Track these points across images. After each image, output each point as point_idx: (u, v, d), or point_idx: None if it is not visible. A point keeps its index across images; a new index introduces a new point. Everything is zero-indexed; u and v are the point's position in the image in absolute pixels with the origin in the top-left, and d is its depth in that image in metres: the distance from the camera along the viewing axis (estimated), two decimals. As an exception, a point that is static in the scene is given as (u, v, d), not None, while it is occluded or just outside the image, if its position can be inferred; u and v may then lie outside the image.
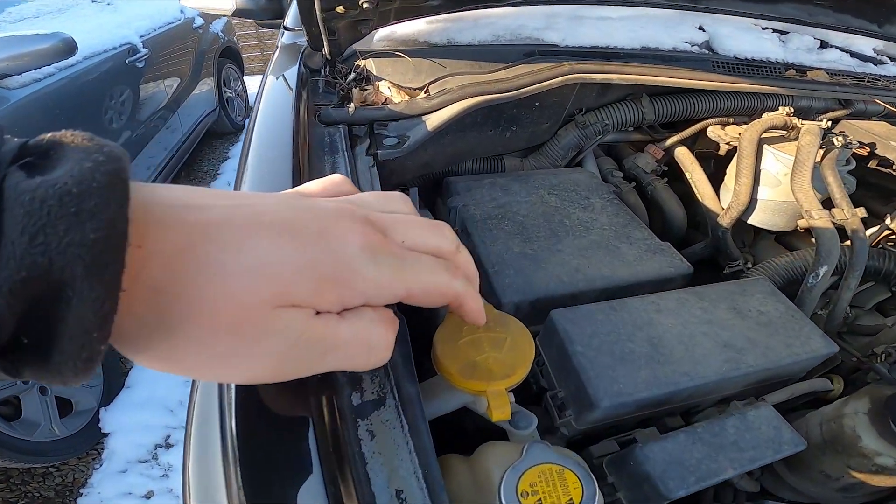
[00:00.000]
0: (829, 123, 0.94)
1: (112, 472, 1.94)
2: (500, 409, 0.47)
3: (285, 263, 0.27)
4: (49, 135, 0.22)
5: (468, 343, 0.49)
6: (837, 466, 0.66)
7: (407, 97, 0.98)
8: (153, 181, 2.31)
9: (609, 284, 0.73)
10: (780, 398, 0.69)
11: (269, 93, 0.91)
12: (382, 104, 0.95)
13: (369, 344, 0.33)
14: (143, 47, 2.70)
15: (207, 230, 0.26)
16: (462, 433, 0.68)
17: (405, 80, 1.02)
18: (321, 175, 0.70)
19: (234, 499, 0.38)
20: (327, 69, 1.13)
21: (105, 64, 2.36)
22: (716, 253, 1.03)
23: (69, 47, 1.85)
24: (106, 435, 2.02)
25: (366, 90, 1.03)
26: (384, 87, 1.01)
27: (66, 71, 2.08)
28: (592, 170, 1.12)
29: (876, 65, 1.28)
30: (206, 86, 3.64)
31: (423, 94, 0.96)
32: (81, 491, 1.92)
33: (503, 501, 0.43)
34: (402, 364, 0.49)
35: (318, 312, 0.29)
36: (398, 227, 0.35)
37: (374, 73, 1.07)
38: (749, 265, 0.99)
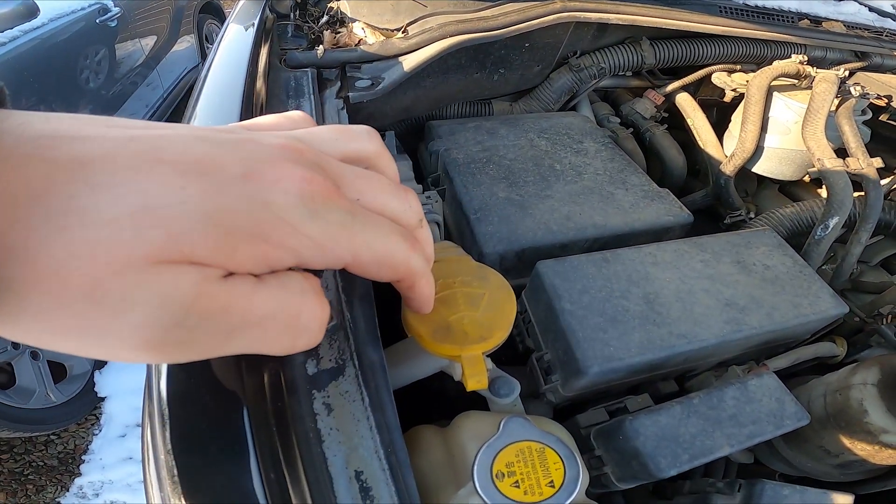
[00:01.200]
0: (846, 73, 0.87)
1: (112, 437, 1.95)
2: (475, 378, 0.41)
3: (181, 209, 0.20)
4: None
5: (441, 300, 0.43)
6: (838, 442, 0.61)
7: (383, 38, 0.89)
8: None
9: (602, 233, 0.67)
10: (782, 364, 0.64)
11: (227, 40, 0.83)
12: (356, 46, 0.87)
13: (297, 321, 0.26)
14: (115, 6, 2.61)
15: (77, 168, 0.19)
16: (443, 397, 0.65)
17: (382, 20, 0.94)
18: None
19: (163, 468, 0.34)
20: (297, 13, 1.04)
21: (75, 25, 2.30)
22: (717, 202, 0.97)
23: (30, 10, 1.84)
24: (103, 399, 2.02)
25: (339, 33, 0.94)
26: (358, 29, 0.93)
27: (33, 33, 2.02)
28: (588, 114, 1.04)
29: (895, 20, 1.20)
30: (186, 42, 3.53)
31: (400, 35, 0.88)
32: (83, 458, 1.93)
33: (476, 484, 0.39)
34: (364, 327, 0.43)
35: (227, 275, 0.22)
36: (355, 182, 0.28)
37: (349, 15, 0.98)
38: (752, 215, 0.93)
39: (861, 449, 0.59)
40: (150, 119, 2.96)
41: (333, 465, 0.36)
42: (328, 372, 0.40)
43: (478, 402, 0.55)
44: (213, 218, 0.21)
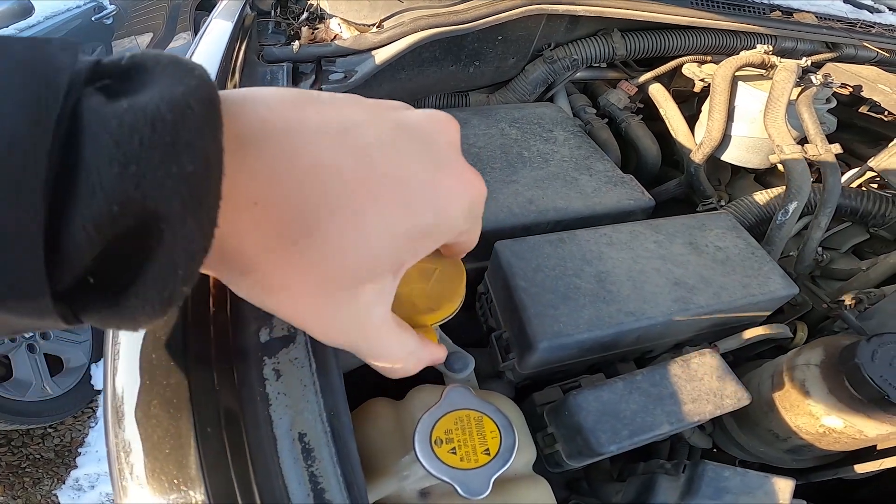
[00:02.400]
0: (809, 62, 0.89)
1: (108, 429, 1.98)
2: None
3: (404, 234, 0.25)
4: (127, 54, 0.19)
5: None
6: (785, 425, 0.62)
7: (358, 33, 0.92)
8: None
9: (563, 216, 0.69)
10: (732, 345, 0.65)
11: (205, 38, 0.85)
12: (332, 41, 0.89)
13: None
14: (111, 4, 2.64)
15: (358, 185, 0.23)
16: (409, 378, 0.67)
17: (359, 16, 0.96)
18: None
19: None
20: (278, 10, 1.06)
21: (71, 22, 2.35)
22: (690, 191, 0.99)
23: (25, 9, 1.88)
24: (99, 392, 2.05)
25: (317, 29, 0.97)
26: (335, 24, 0.95)
27: (28, 32, 2.05)
28: (564, 106, 1.06)
29: (872, 13, 1.22)
30: (182, 40, 3.57)
31: (375, 30, 0.90)
32: (80, 450, 1.97)
33: (416, 448, 0.41)
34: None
35: None
36: None
37: (328, 12, 1.00)
38: (723, 203, 0.95)
39: (806, 433, 0.60)
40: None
41: (279, 427, 0.39)
42: (280, 340, 0.43)
43: (440, 379, 0.57)
44: (414, 237, 0.25)
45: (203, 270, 0.22)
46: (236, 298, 0.44)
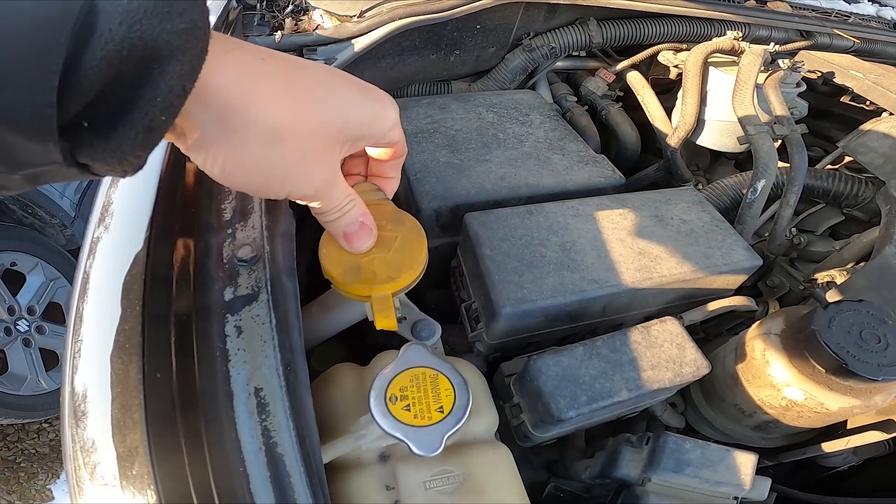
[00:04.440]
0: (776, 48, 0.91)
1: (103, 424, 1.99)
2: (382, 315, 0.43)
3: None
4: None
5: None
6: (748, 399, 0.62)
7: (339, 24, 0.94)
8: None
9: (534, 192, 0.71)
10: (697, 317, 0.67)
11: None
12: (313, 31, 0.91)
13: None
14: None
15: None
16: (378, 346, 0.68)
17: (342, 7, 0.98)
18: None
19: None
20: (264, 3, 1.09)
21: None
22: (669, 175, 1.00)
23: None
24: (95, 390, 2.06)
25: (300, 20, 0.99)
26: (317, 15, 0.97)
27: None
28: (545, 94, 1.08)
29: (848, 3, 1.24)
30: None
31: (355, 19, 0.92)
32: (75, 444, 1.97)
33: (370, 404, 0.42)
34: (282, 259, 0.47)
35: None
36: None
37: (312, 4, 1.02)
38: (700, 187, 0.97)
39: (770, 406, 0.61)
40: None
41: (236, 382, 0.40)
42: (243, 298, 0.44)
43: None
44: (365, 120, 0.36)
45: (188, 140, 0.30)
46: (204, 261, 0.46)
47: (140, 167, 0.25)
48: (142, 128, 0.23)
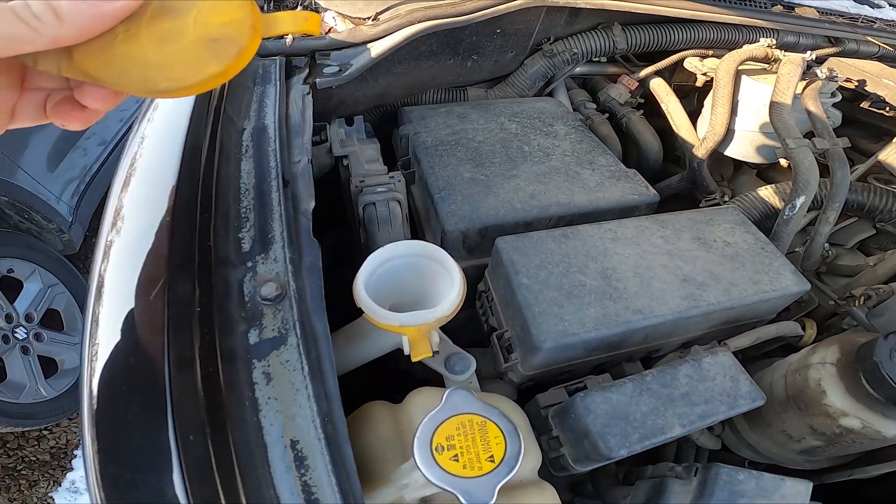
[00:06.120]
0: (814, 56, 0.87)
1: (103, 431, 1.96)
2: (418, 347, 0.42)
3: None
4: None
5: None
6: (799, 426, 0.59)
7: (353, 26, 0.89)
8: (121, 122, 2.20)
9: (566, 212, 0.67)
10: (743, 343, 0.63)
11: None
12: (326, 34, 0.87)
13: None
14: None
15: None
16: (407, 378, 0.65)
17: (355, 9, 0.93)
18: (241, 106, 0.65)
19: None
20: (272, 4, 1.04)
21: None
22: (692, 186, 0.97)
23: None
24: (94, 396, 2.02)
25: (312, 22, 0.95)
26: (329, 18, 0.93)
27: None
28: (563, 101, 1.04)
29: (872, 8, 1.21)
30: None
31: (370, 22, 0.88)
32: (75, 452, 1.94)
33: (415, 456, 0.38)
34: (310, 297, 0.44)
35: None
36: None
37: (322, 5, 0.98)
38: (726, 198, 0.93)
39: (821, 433, 0.58)
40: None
41: (269, 433, 0.36)
42: (270, 341, 0.40)
43: (440, 381, 0.55)
44: None
45: None
46: (224, 300, 0.42)
47: None
48: None
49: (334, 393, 0.40)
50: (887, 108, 1.10)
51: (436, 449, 0.39)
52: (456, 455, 0.39)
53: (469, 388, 0.43)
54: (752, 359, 0.75)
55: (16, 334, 1.74)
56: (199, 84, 0.28)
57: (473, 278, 0.67)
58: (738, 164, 1.11)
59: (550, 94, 1.07)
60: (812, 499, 0.72)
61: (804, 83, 0.83)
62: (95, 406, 0.35)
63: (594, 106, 1.06)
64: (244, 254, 0.46)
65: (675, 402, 0.50)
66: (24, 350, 1.82)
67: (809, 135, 0.82)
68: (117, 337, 0.37)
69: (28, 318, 1.78)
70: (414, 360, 0.41)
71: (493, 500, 0.37)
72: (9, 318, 1.73)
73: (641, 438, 0.48)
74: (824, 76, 0.82)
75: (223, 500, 0.32)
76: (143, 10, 0.27)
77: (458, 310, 0.45)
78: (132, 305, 0.40)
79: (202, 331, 0.39)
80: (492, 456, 0.39)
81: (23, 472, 1.89)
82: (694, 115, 1.03)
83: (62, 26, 0.26)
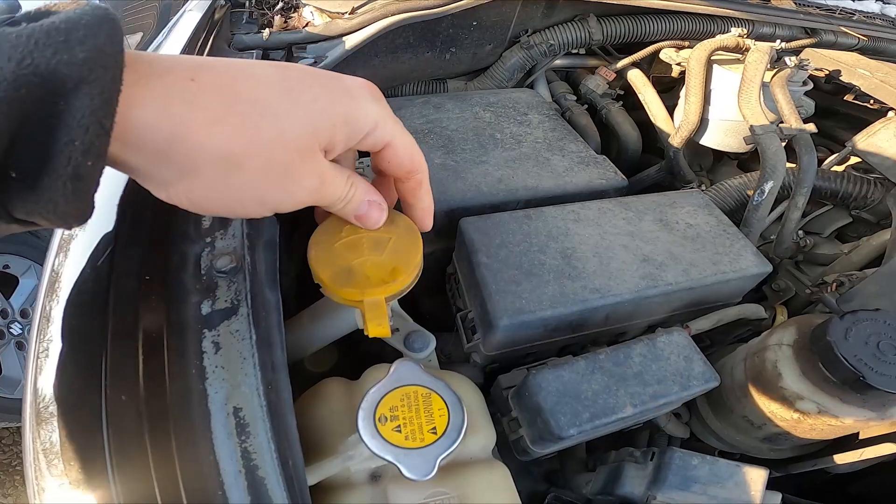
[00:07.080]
0: (782, 45, 0.88)
1: (99, 428, 1.97)
2: (375, 322, 0.41)
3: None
4: (43, 4, 0.23)
5: (345, 245, 0.42)
6: (759, 411, 0.59)
7: (329, 20, 0.91)
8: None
9: (533, 195, 0.68)
10: (704, 325, 0.64)
11: (177, 28, 0.84)
12: (303, 28, 0.89)
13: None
14: (101, 2, 2.64)
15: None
16: (369, 357, 0.65)
17: (333, 4, 0.95)
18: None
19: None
20: (253, 0, 1.06)
21: None
22: (671, 176, 0.98)
23: (12, 8, 1.84)
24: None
25: (290, 18, 0.96)
26: (307, 12, 0.94)
27: None
28: (544, 93, 1.05)
29: (853, 0, 1.21)
30: (176, 41, 3.56)
31: (347, 16, 0.89)
32: (71, 448, 1.95)
33: (359, 425, 0.39)
34: (264, 270, 0.45)
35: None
36: None
37: (302, 1, 0.99)
38: (704, 188, 0.94)
39: (780, 419, 0.58)
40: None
41: (214, 401, 0.37)
42: (222, 312, 0.41)
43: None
44: (333, 119, 0.32)
45: (143, 181, 0.29)
46: (180, 272, 0.43)
47: (84, 217, 0.23)
48: (68, 176, 0.21)
49: (281, 363, 0.41)
50: (871, 101, 1.11)
51: (379, 419, 0.40)
52: (399, 426, 0.39)
53: (417, 362, 0.44)
54: (720, 343, 0.75)
55: (11, 330, 1.76)
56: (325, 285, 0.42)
57: (442, 261, 0.68)
58: (719, 155, 1.12)
59: (531, 87, 1.08)
60: (797, 494, 0.72)
61: (773, 71, 0.84)
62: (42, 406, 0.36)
63: (574, 98, 1.07)
64: (204, 230, 0.47)
65: (628, 382, 0.50)
66: (20, 346, 1.84)
67: (781, 122, 0.82)
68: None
69: (23, 314, 1.80)
70: (371, 334, 0.42)
71: (434, 473, 0.38)
72: (4, 314, 1.75)
73: (591, 417, 0.47)
74: (793, 64, 0.83)
75: (152, 466, 0.33)
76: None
77: (414, 282, 0.45)
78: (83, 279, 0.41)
79: (150, 300, 0.40)
80: (434, 428, 0.40)
81: (18, 467, 1.90)
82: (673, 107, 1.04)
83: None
